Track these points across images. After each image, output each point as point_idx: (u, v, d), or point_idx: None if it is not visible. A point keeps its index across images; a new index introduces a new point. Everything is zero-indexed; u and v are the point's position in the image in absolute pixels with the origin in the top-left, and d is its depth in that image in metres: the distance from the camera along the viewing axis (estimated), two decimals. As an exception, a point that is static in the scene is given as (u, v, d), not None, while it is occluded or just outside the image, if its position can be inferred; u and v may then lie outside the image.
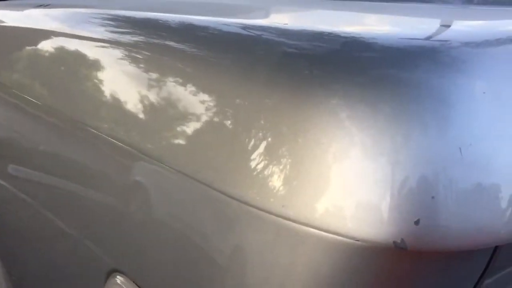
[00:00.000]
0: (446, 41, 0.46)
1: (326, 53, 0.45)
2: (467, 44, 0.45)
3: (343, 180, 0.37)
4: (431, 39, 0.46)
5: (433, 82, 0.39)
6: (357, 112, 0.38)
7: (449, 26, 0.57)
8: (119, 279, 0.61)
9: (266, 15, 0.72)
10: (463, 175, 0.36)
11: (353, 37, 0.48)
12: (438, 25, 0.57)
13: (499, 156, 0.37)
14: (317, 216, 0.38)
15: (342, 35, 0.50)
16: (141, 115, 0.55)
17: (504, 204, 0.36)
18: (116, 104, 0.60)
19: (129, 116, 0.56)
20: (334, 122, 0.38)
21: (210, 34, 0.57)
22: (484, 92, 0.39)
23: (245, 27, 0.57)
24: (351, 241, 0.37)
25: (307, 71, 0.43)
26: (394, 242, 0.36)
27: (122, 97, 0.59)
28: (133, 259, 0.59)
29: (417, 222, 0.36)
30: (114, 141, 0.58)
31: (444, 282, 0.39)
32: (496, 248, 0.39)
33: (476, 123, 0.38)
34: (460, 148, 0.36)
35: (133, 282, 0.60)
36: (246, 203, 0.41)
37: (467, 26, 0.54)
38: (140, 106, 0.55)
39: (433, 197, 0.36)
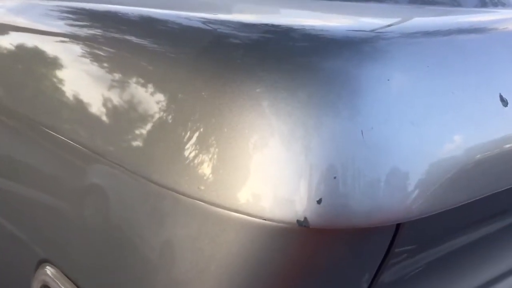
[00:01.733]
0: (362, 34, 0.48)
1: (252, 42, 0.47)
2: (377, 36, 0.47)
3: (257, 165, 0.39)
4: (349, 32, 0.48)
5: (343, 70, 0.41)
6: (276, 100, 0.40)
7: (372, 21, 0.59)
8: (48, 269, 0.61)
9: (205, 8, 0.72)
10: (364, 156, 0.38)
11: (281, 28, 0.50)
12: (363, 21, 0.60)
13: (399, 138, 0.39)
14: (233, 199, 0.39)
15: (272, 26, 0.51)
16: (79, 109, 0.55)
17: (403, 183, 0.39)
18: (54, 97, 0.60)
19: (65, 107, 0.56)
20: (255, 109, 0.40)
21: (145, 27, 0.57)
22: (388, 80, 0.41)
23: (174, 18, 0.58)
24: (260, 220, 0.38)
25: (233, 60, 0.44)
26: (298, 221, 0.37)
27: (60, 90, 0.58)
28: (63, 249, 0.59)
29: (319, 201, 0.37)
30: (48, 131, 0.58)
31: (349, 260, 0.41)
32: (398, 226, 0.41)
33: (379, 108, 0.40)
34: (362, 131, 0.38)
35: (63, 272, 0.60)
36: (176, 191, 0.42)
37: (386, 21, 0.56)
38: (78, 100, 0.55)
39: (335, 177, 0.37)
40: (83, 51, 0.57)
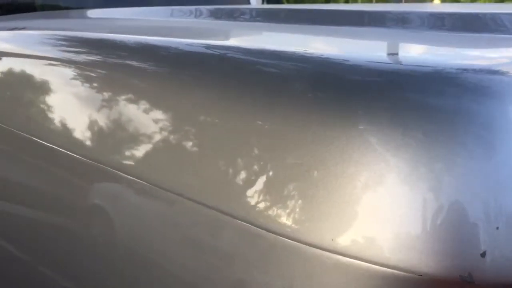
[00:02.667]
0: (476, 67, 0.46)
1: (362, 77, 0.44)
2: (496, 71, 0.45)
3: (400, 212, 0.36)
4: (461, 65, 0.46)
5: (472, 107, 0.38)
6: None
7: (472, 53, 0.57)
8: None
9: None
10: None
11: (391, 64, 0.47)
12: (462, 53, 0.57)
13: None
14: (372, 250, 0.36)
15: (381, 62, 0.48)
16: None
17: None
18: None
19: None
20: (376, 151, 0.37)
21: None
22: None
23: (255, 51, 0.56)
24: (413, 275, 0.35)
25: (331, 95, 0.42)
26: (461, 276, 0.34)
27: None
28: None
29: (483, 255, 0.34)
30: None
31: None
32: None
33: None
34: (514, 175, 0.35)
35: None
36: (293, 239, 0.38)
37: (486, 53, 0.54)
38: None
39: (497, 228, 0.34)
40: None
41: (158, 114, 0.53)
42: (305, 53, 0.50)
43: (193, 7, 1.10)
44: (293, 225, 0.39)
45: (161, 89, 0.54)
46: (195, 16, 1.06)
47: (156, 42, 0.66)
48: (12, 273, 0.73)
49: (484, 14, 0.74)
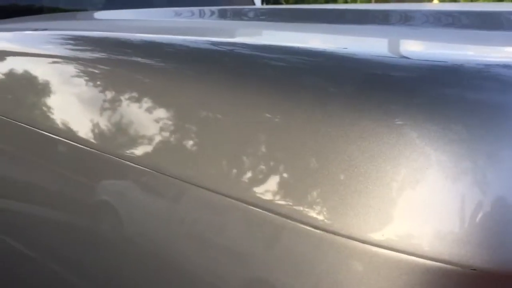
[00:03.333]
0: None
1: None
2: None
3: (450, 207, 0.36)
4: (501, 61, 0.46)
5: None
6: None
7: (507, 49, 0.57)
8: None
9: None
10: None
11: (428, 61, 0.47)
12: (497, 49, 0.57)
13: None
14: (424, 245, 0.36)
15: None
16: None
17: None
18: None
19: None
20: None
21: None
22: None
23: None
24: (466, 270, 0.35)
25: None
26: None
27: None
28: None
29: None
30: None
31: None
32: None
33: None
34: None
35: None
36: (348, 236, 0.38)
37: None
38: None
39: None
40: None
41: (163, 108, 0.53)
42: (342, 50, 0.50)
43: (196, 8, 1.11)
44: (338, 220, 0.39)
45: (165, 84, 0.55)
46: (200, 16, 1.07)
47: (160, 40, 0.68)
48: (18, 270, 0.73)
49: (499, 13, 0.75)
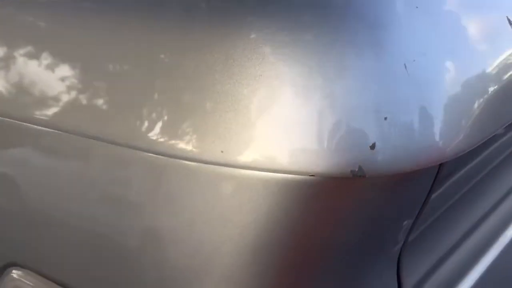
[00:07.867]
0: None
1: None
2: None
3: (293, 115, 0.33)
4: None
5: (361, 5, 0.36)
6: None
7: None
8: (15, 273, 0.52)
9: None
10: (411, 92, 0.34)
11: None
12: None
13: (443, 70, 0.36)
14: (264, 158, 0.34)
15: None
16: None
17: (453, 116, 0.36)
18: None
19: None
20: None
21: None
22: (416, 7, 0.37)
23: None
24: (305, 177, 0.34)
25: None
26: (352, 171, 0.33)
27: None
28: (31, 250, 0.51)
29: (372, 147, 0.33)
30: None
31: (397, 203, 0.38)
32: (440, 166, 0.39)
33: (415, 39, 0.36)
34: (405, 65, 0.34)
35: (35, 272, 0.51)
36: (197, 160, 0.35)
37: None
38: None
39: (385, 118, 0.33)
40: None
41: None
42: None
43: None
44: (188, 146, 0.36)
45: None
46: None
47: None
48: None
49: None
